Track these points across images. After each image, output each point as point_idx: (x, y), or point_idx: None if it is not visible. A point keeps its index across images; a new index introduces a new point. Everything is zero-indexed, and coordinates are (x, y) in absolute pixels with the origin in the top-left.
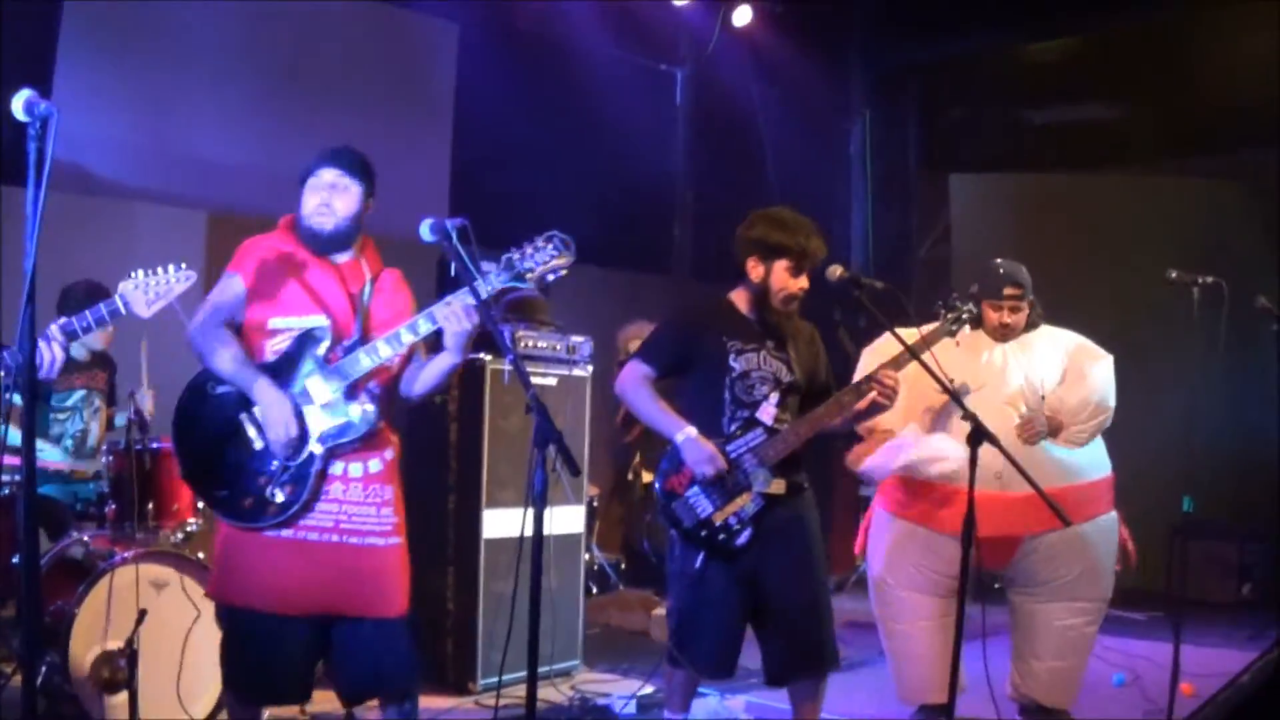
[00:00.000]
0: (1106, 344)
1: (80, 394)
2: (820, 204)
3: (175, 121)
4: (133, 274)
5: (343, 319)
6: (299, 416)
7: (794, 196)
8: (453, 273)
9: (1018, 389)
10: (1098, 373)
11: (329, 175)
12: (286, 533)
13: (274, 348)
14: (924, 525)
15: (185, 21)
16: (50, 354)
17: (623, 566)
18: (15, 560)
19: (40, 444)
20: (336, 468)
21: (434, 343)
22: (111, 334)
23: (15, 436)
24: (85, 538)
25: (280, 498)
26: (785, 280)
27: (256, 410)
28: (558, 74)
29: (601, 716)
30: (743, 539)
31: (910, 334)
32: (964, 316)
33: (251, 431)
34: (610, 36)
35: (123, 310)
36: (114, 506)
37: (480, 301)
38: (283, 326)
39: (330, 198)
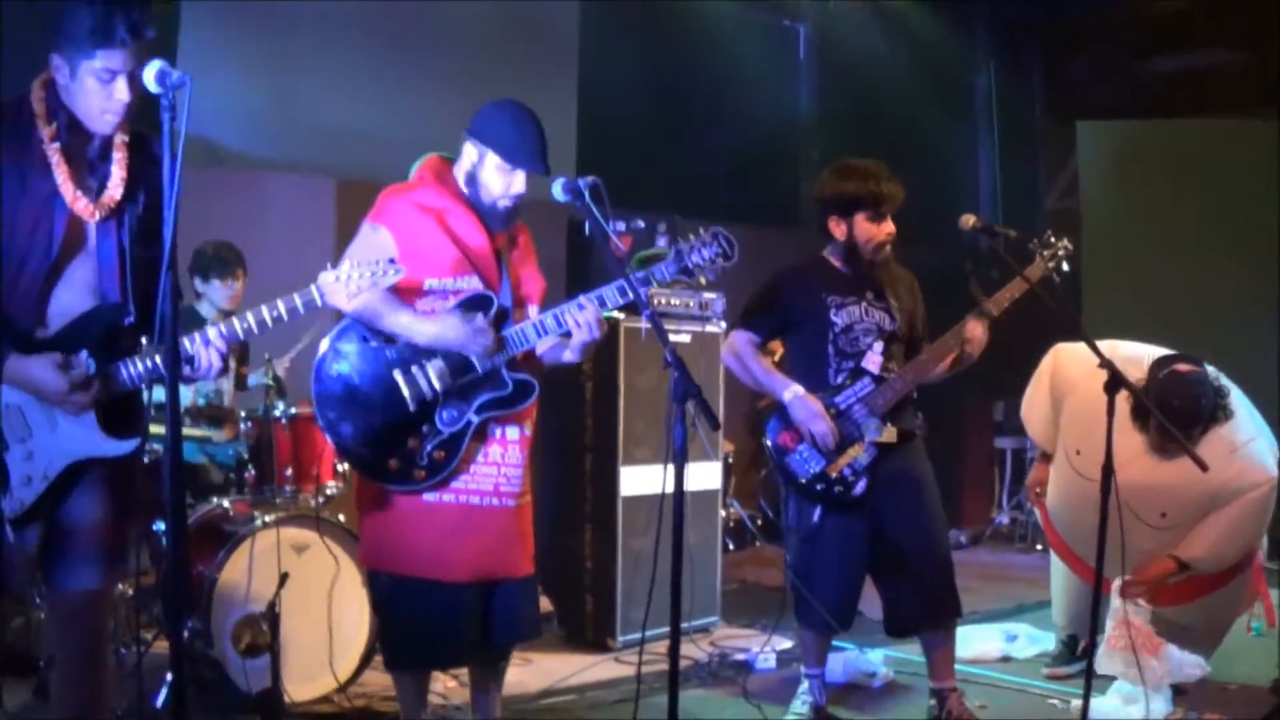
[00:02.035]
0: (1237, 290)
1: None
2: (947, 156)
3: (300, 90)
4: (335, 266)
5: (491, 279)
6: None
7: (919, 149)
8: (587, 231)
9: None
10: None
11: (523, 177)
12: (448, 497)
13: (425, 307)
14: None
15: None
16: (210, 356)
17: (759, 523)
18: (155, 526)
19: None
20: (495, 431)
21: None
22: (239, 295)
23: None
24: (225, 503)
25: (430, 462)
26: (869, 230)
27: (415, 370)
28: (681, 30)
29: (741, 671)
30: (859, 489)
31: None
32: (1060, 253)
33: (407, 392)
34: None
35: (319, 302)
36: (253, 472)
37: (634, 289)
38: (438, 287)
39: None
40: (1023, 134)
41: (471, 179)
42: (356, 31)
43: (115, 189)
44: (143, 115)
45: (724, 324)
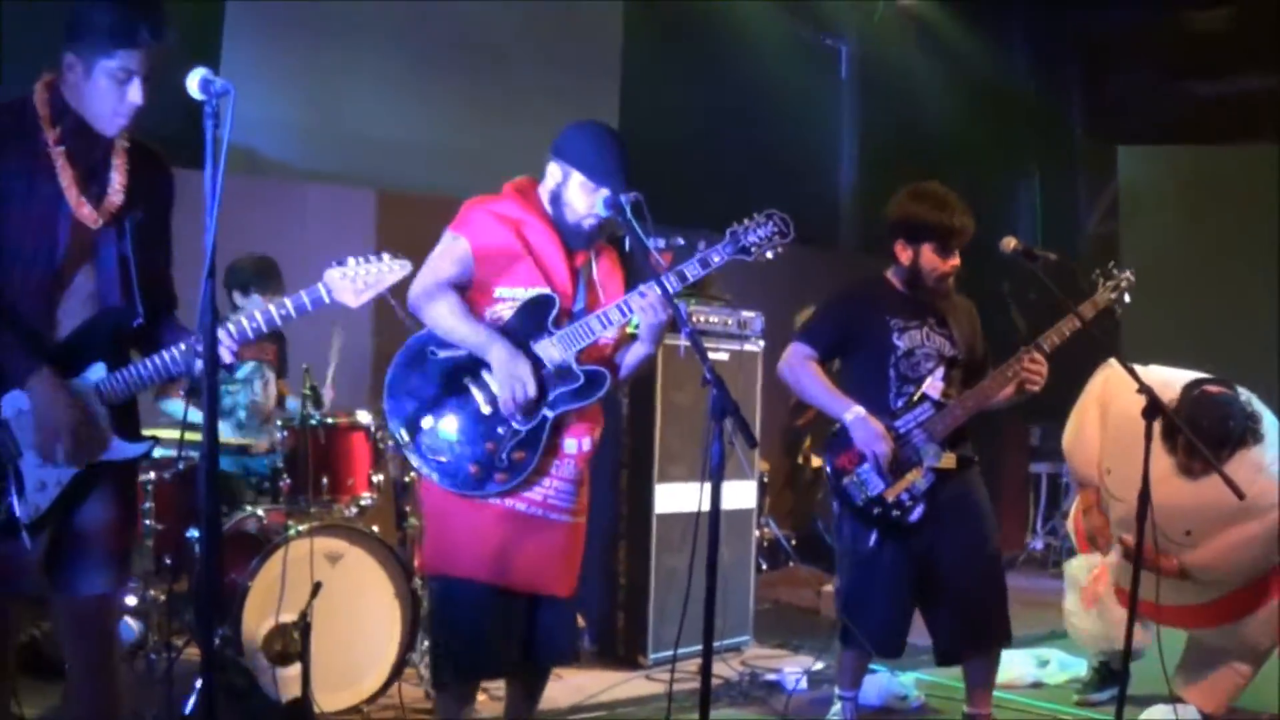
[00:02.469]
0: (1275, 316)
1: (251, 366)
2: (988, 178)
3: (342, 101)
4: (340, 262)
5: (564, 293)
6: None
7: (961, 169)
8: (626, 247)
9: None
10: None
11: (605, 196)
12: (494, 501)
13: (494, 314)
14: None
15: (348, 4)
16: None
17: (793, 543)
18: (189, 534)
19: None
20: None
21: None
22: None
23: (194, 415)
24: (259, 512)
25: (510, 463)
26: (935, 262)
27: (485, 375)
28: (724, 49)
29: (772, 692)
30: (916, 515)
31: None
32: (1123, 284)
33: (479, 397)
34: (775, 11)
35: (326, 299)
36: (288, 481)
37: (679, 280)
38: (508, 295)
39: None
40: (1064, 157)
41: (556, 199)
42: (399, 43)
43: (116, 195)
44: (182, 128)
45: (762, 343)
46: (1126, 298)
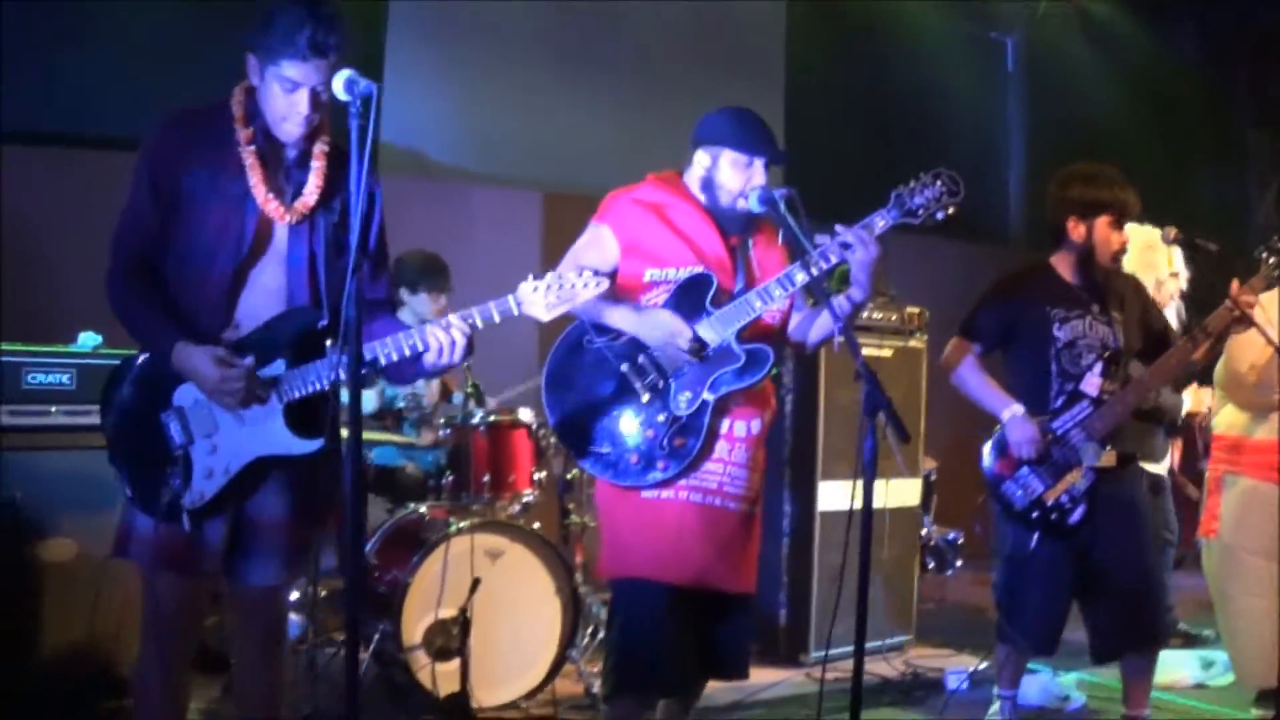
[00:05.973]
0: None
1: None
2: (1155, 170)
3: (506, 104)
4: (535, 276)
5: (721, 271)
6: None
7: (1128, 162)
8: (780, 240)
9: None
10: None
11: (761, 169)
12: (667, 494)
13: (649, 301)
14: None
15: (510, 6)
16: (451, 339)
17: (960, 543)
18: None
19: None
20: (723, 425)
21: None
22: (444, 306)
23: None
24: (422, 508)
25: (670, 449)
26: (1108, 235)
27: (642, 359)
28: (887, 46)
29: (934, 692)
30: (1076, 516)
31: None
32: None
33: (637, 384)
34: (939, 7)
35: (515, 311)
36: (451, 478)
37: (824, 263)
38: (660, 279)
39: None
40: (1233, 149)
41: (708, 184)
42: (563, 44)
43: (310, 195)
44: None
45: (926, 338)
46: None
